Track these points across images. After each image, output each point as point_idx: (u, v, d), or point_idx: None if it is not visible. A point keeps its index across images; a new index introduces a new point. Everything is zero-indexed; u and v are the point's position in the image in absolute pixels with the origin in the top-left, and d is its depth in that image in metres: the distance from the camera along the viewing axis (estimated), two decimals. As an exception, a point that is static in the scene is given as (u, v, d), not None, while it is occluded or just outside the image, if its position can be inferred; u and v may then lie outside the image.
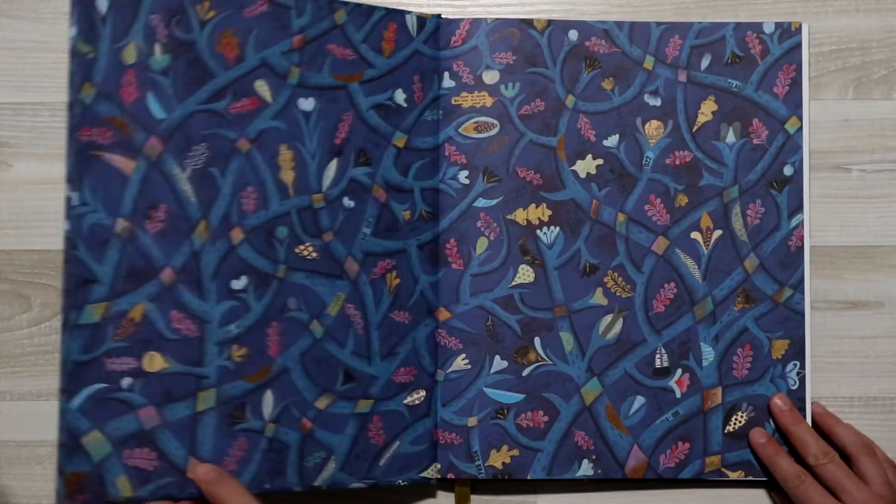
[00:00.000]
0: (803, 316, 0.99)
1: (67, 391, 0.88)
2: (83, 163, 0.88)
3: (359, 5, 0.98)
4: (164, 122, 0.90)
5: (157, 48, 0.91)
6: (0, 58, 1.04)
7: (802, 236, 0.99)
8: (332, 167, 0.96)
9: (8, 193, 1.03)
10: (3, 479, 1.02)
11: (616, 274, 0.99)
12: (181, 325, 0.91)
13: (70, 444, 0.87)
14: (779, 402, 1.00)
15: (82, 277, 0.88)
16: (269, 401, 0.93)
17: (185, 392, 0.91)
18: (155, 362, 0.90)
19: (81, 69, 0.90)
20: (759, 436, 0.99)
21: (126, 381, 0.89)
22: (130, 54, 0.90)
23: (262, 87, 0.94)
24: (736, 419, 0.98)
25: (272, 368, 0.93)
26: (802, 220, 1.00)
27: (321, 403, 0.95)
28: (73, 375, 0.88)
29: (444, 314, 1.00)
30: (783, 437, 1.00)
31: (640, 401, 0.99)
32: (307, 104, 0.95)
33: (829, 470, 0.95)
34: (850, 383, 1.03)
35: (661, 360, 0.99)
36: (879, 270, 1.03)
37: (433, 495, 1.02)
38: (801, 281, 0.99)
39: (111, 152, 0.89)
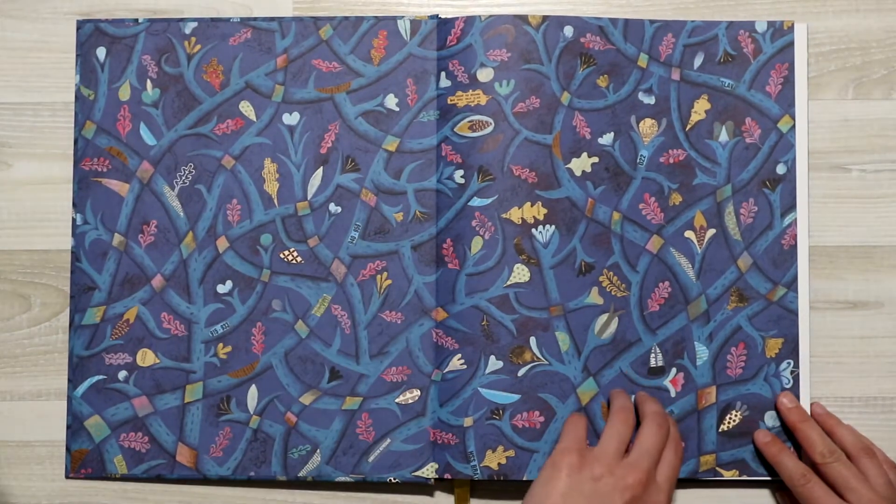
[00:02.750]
0: (797, 314, 1.04)
1: (73, 381, 1.07)
2: (85, 188, 1.07)
3: (346, 18, 1.09)
4: (154, 148, 1.08)
5: (149, 84, 1.08)
6: (0, 58, 1.11)
7: (795, 235, 1.04)
8: (318, 175, 1.08)
9: (8, 193, 1.11)
10: (3, 479, 1.10)
11: (611, 273, 1.04)
12: (170, 326, 1.07)
13: (75, 426, 1.07)
14: (785, 400, 1.06)
15: (85, 285, 1.07)
16: (253, 395, 1.07)
17: (175, 385, 1.07)
18: (147, 358, 1.07)
19: (83, 110, 1.08)
20: (763, 435, 1.05)
21: (122, 374, 1.07)
22: (125, 92, 1.08)
23: (247, 108, 1.08)
24: (730, 418, 1.03)
25: (256, 365, 1.07)
26: (795, 219, 1.02)
27: (306, 399, 1.07)
28: (78, 368, 1.06)
29: (440, 314, 1.06)
30: (787, 436, 1.05)
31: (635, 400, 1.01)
32: (291, 119, 1.08)
33: (835, 469, 1.01)
34: (850, 383, 1.09)
35: (655, 360, 1.03)
36: (879, 270, 1.09)
37: (431, 495, 1.08)
38: (795, 279, 1.03)
39: (109, 178, 1.07)
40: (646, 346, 1.05)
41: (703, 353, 1.05)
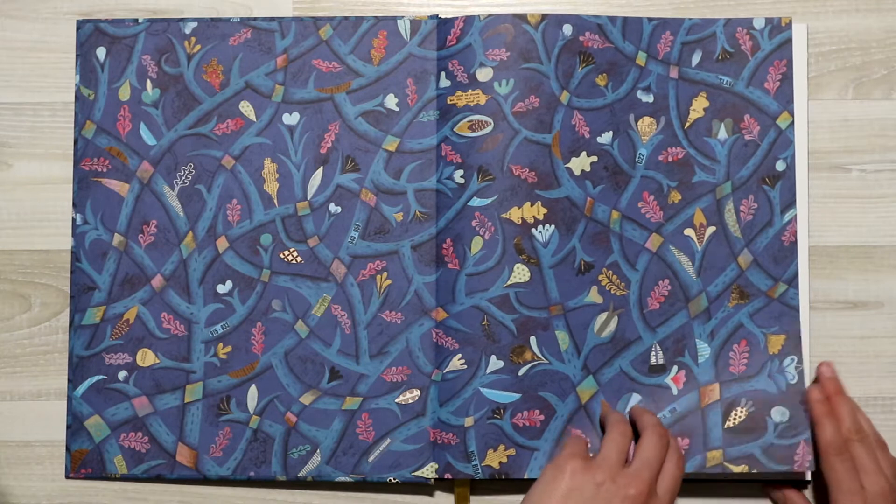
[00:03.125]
0: (798, 311, 1.02)
1: (73, 381, 1.07)
2: (85, 188, 1.07)
3: (346, 18, 1.10)
4: (154, 148, 1.08)
5: (149, 84, 1.09)
6: (0, 58, 1.11)
7: (795, 231, 1.04)
8: (318, 175, 1.08)
9: (8, 193, 1.11)
10: (3, 479, 1.10)
11: (610, 272, 1.04)
12: (170, 326, 1.08)
13: (75, 426, 1.07)
14: (825, 369, 1.06)
15: (85, 285, 1.07)
16: (253, 395, 1.07)
17: (175, 385, 1.07)
18: (147, 358, 1.08)
19: (83, 109, 1.08)
20: (816, 392, 1.04)
21: (122, 374, 1.07)
22: (125, 92, 1.08)
23: (247, 108, 1.09)
24: (736, 414, 1.03)
25: (256, 365, 1.07)
26: (795, 216, 1.02)
27: (306, 399, 1.08)
28: (78, 368, 1.07)
29: (440, 314, 1.07)
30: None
31: (636, 398, 1.04)
32: (291, 119, 1.09)
33: (858, 449, 1.01)
34: (850, 383, 1.09)
35: (656, 358, 1.03)
36: (879, 270, 1.09)
37: (431, 494, 1.08)
38: (795, 276, 1.04)
39: (108, 178, 1.08)
40: (646, 345, 1.05)
41: (704, 350, 1.05)
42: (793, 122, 1.07)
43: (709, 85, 1.07)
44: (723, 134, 1.07)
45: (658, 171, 1.07)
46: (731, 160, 1.06)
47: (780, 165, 1.06)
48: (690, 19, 1.08)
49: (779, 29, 1.07)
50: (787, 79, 1.07)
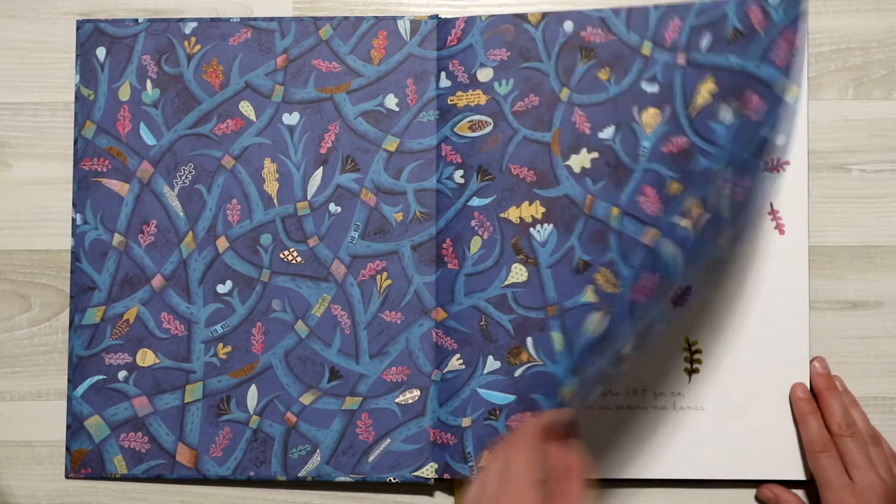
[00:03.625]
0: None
1: (73, 381, 1.08)
2: (85, 189, 1.08)
3: (346, 18, 1.10)
4: (154, 148, 1.08)
5: (149, 84, 1.09)
6: (0, 58, 1.11)
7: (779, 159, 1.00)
8: (318, 175, 1.08)
9: (8, 193, 1.11)
10: (3, 479, 1.11)
11: (607, 270, 1.04)
12: (170, 326, 1.08)
13: (75, 426, 1.08)
14: (817, 364, 1.07)
15: (85, 285, 1.08)
16: (253, 395, 1.07)
17: (174, 385, 1.08)
18: (147, 358, 1.08)
19: (83, 109, 1.09)
20: (799, 391, 1.05)
21: (122, 374, 1.07)
22: (125, 92, 1.09)
23: (247, 108, 1.09)
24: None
25: (256, 365, 1.07)
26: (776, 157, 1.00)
27: (306, 399, 1.08)
28: (78, 368, 1.07)
29: (440, 314, 1.07)
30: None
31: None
32: (291, 119, 1.09)
33: (847, 443, 1.02)
34: (850, 383, 1.09)
35: (622, 347, 0.99)
36: (879, 270, 1.09)
37: (431, 495, 1.09)
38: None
39: (108, 178, 1.08)
40: (622, 338, 1.03)
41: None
42: (799, 96, 1.02)
43: (717, 67, 1.02)
44: (728, 117, 1.03)
45: (661, 162, 1.05)
46: (733, 143, 1.02)
47: (780, 140, 0.99)
48: (701, 3, 1.05)
49: (793, 2, 1.00)
50: (798, 53, 0.99)
